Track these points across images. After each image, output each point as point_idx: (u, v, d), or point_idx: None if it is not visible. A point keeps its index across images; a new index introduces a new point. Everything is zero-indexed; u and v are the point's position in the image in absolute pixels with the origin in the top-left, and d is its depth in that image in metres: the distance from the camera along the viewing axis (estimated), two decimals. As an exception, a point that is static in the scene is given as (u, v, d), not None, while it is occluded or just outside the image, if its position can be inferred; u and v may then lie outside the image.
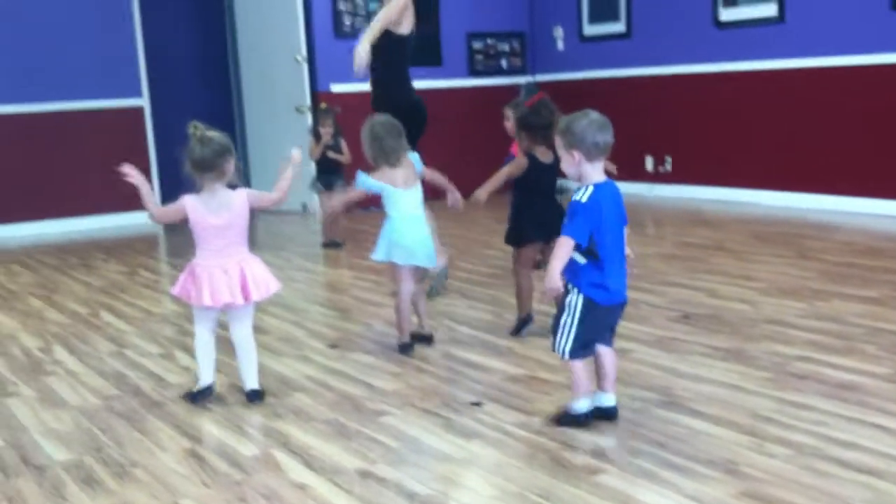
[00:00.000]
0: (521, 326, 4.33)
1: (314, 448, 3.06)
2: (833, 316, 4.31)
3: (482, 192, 4.25)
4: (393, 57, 5.40)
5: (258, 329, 4.65)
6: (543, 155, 4.44)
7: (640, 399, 3.33)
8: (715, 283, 5.10)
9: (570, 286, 3.04)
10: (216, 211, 3.48)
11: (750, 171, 8.12)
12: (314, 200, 8.75)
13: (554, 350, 3.11)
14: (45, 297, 5.67)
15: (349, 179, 7.11)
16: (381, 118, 4.21)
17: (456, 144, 9.69)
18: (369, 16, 9.15)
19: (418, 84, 9.40)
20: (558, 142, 3.08)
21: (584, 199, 2.97)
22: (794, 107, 7.73)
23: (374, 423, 3.26)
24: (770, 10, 7.79)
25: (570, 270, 3.02)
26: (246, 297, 3.50)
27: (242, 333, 3.60)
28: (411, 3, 5.30)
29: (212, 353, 3.61)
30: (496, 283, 5.42)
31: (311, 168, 7.23)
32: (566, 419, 3.13)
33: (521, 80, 9.89)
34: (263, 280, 3.56)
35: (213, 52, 10.41)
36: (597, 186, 3.01)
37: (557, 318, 3.09)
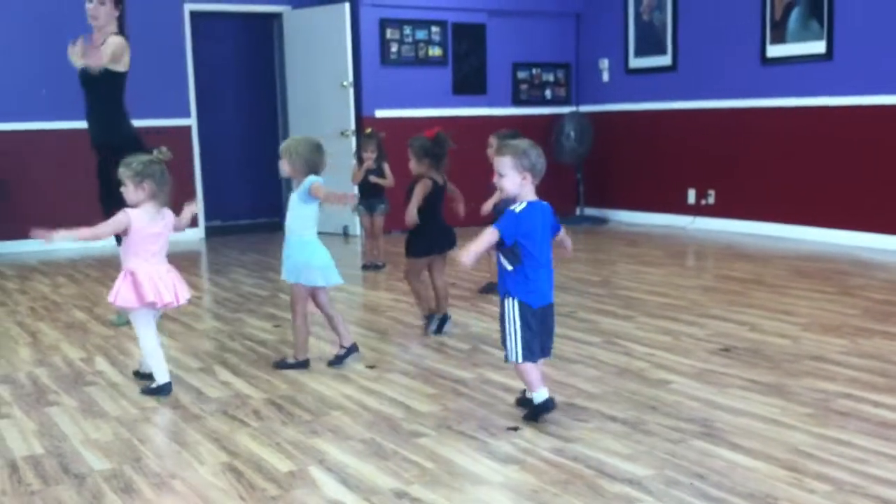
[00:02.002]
0: (431, 322, 4.91)
1: (350, 466, 3.07)
2: (875, 354, 4.26)
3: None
4: (115, 93, 5.39)
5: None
6: (438, 178, 4.93)
7: (678, 430, 3.31)
8: (755, 317, 5.06)
9: (503, 299, 3.45)
10: (155, 220, 3.96)
11: (792, 207, 8.07)
12: (355, 223, 8.83)
13: (507, 360, 3.47)
14: (88, 310, 5.75)
15: (391, 203, 7.18)
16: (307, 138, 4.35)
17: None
18: (416, 44, 9.27)
19: (462, 112, 9.56)
20: (509, 163, 3.43)
21: (518, 210, 3.42)
22: (838, 144, 7.69)
23: (411, 444, 3.26)
24: (818, 48, 7.76)
25: (501, 283, 3.47)
26: (178, 299, 3.99)
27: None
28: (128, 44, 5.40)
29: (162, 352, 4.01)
30: (535, 310, 5.41)
31: (354, 192, 7.28)
32: (537, 410, 3.45)
33: (564, 110, 9.92)
34: (183, 285, 4.07)
35: (262, 76, 10.56)
36: (530, 203, 3.45)
37: (502, 331, 3.46)
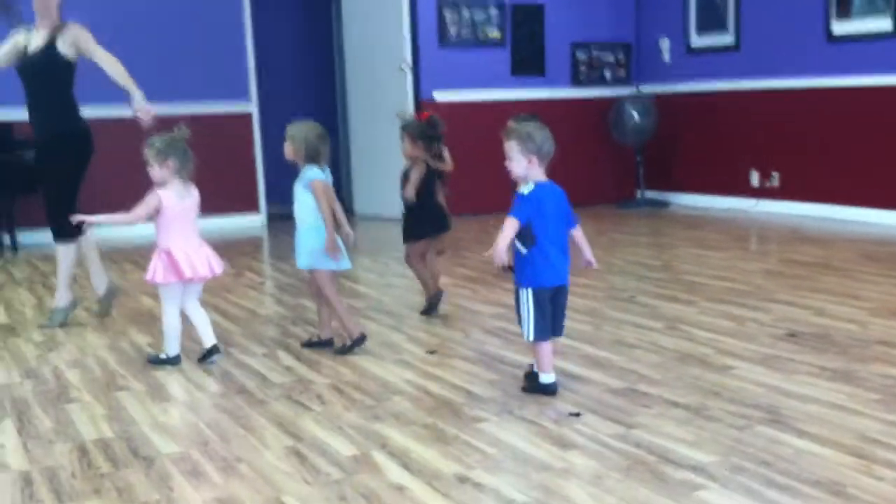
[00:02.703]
0: (433, 305, 5.01)
1: (413, 451, 3.08)
2: (947, 339, 4.17)
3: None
4: (66, 80, 5.12)
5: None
6: (431, 161, 5.01)
7: (743, 416, 3.27)
8: (822, 301, 4.97)
9: (518, 287, 3.58)
10: (183, 197, 4.17)
11: (859, 189, 7.91)
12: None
13: (524, 338, 3.62)
14: (155, 295, 5.80)
15: (448, 187, 7.18)
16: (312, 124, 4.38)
17: (556, 154, 9.66)
18: (474, 26, 9.23)
19: (520, 94, 9.51)
20: (515, 146, 3.54)
21: (526, 192, 3.53)
22: (908, 123, 7.51)
23: (472, 429, 3.27)
24: (885, 25, 7.57)
25: (518, 269, 3.58)
26: (213, 271, 4.23)
27: (196, 303, 4.30)
28: None
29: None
30: (594, 294, 5.39)
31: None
32: (538, 388, 3.61)
33: (624, 91, 9.82)
34: (216, 258, 4.30)
35: (320, 59, 10.61)
36: (538, 184, 3.55)
37: (517, 313, 3.62)
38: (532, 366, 3.73)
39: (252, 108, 9.19)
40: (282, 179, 10.30)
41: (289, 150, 4.31)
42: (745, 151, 8.89)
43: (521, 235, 3.52)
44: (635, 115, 9.42)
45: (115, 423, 3.48)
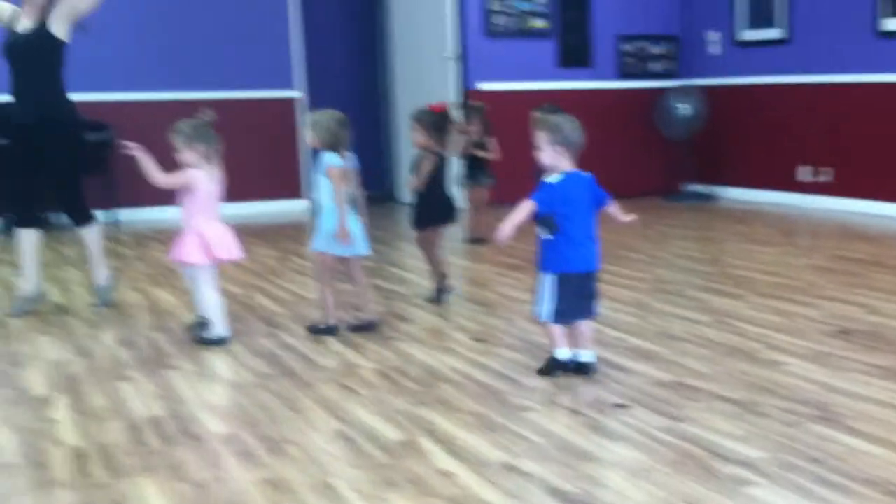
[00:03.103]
0: (441, 292, 5.08)
1: (459, 438, 3.09)
2: None
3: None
4: (59, 65, 4.90)
5: (405, 319, 4.75)
6: (442, 151, 5.09)
7: (794, 413, 3.24)
8: (874, 299, 4.91)
9: (541, 272, 3.65)
10: (213, 180, 4.26)
11: (912, 186, 7.79)
12: (459, 196, 8.84)
13: (534, 314, 3.72)
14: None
15: (496, 176, 7.18)
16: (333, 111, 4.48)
17: (602, 146, 9.62)
18: (521, 15, 9.20)
19: (566, 85, 9.47)
20: (546, 136, 3.58)
21: (553, 182, 3.58)
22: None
23: (519, 418, 3.27)
24: (942, 20, 7.44)
25: (542, 256, 3.64)
26: (235, 254, 4.36)
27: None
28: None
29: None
30: (641, 286, 5.36)
31: (458, 165, 7.32)
32: (552, 365, 3.69)
33: (671, 83, 9.74)
34: (236, 243, 4.37)
35: (366, 48, 10.63)
36: (566, 174, 3.59)
37: (537, 292, 3.67)
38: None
39: (296, 94, 9.23)
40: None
41: (310, 138, 4.41)
42: (795, 146, 8.79)
43: (543, 223, 3.60)
44: (682, 107, 9.35)
45: (165, 402, 3.52)
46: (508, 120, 8.49)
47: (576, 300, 3.64)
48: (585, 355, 3.72)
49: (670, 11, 9.88)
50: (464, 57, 9.00)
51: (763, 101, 9.08)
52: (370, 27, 10.55)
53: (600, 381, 3.66)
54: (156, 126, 7.67)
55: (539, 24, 9.31)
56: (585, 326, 3.71)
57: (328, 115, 4.42)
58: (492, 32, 9.10)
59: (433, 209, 5.09)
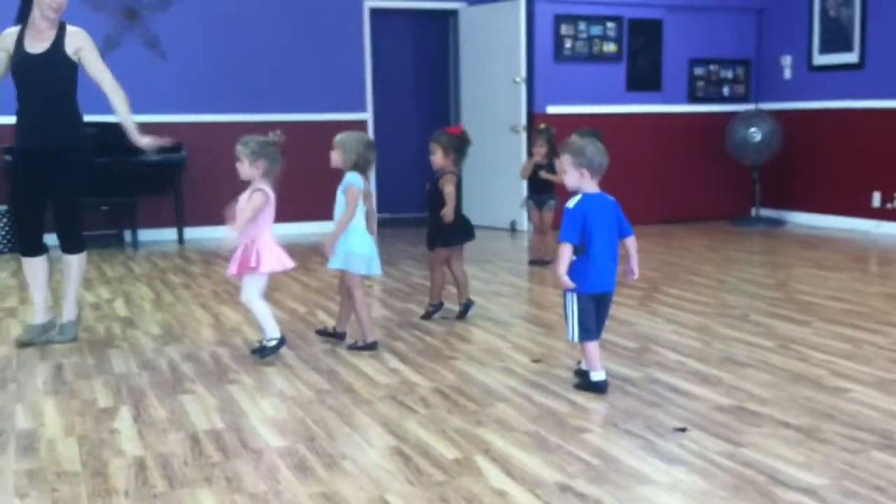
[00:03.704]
0: (433, 312, 5.22)
1: (515, 458, 3.08)
2: None
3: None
4: (74, 84, 4.71)
5: (464, 339, 4.76)
6: (458, 172, 5.30)
7: (857, 440, 3.17)
8: (945, 327, 4.79)
9: (565, 291, 3.74)
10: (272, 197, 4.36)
11: None
12: (523, 218, 8.84)
13: (568, 338, 3.82)
14: (267, 295, 5.93)
15: (561, 199, 7.17)
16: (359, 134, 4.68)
17: (670, 169, 9.55)
18: (591, 40, 9.20)
19: (635, 108, 9.43)
20: (569, 160, 3.71)
21: (571, 206, 3.69)
22: None
23: (575, 440, 3.25)
24: None
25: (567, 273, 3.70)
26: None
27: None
28: None
29: None
30: (705, 310, 5.29)
31: (523, 187, 7.34)
32: (589, 386, 3.79)
33: (742, 107, 9.64)
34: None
35: (436, 72, 10.70)
36: (584, 196, 3.70)
37: (565, 314, 3.80)
38: (580, 362, 3.95)
39: (367, 116, 9.32)
40: (392, 186, 10.48)
41: (335, 158, 4.50)
42: (867, 172, 8.62)
43: (575, 247, 3.70)
44: (753, 132, 9.23)
45: (226, 415, 3.57)
46: (574, 143, 8.47)
47: (594, 315, 3.77)
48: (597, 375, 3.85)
49: (744, 35, 9.79)
50: (532, 80, 9.01)
51: (835, 125, 8.93)
52: (440, 51, 10.62)
53: (660, 405, 3.62)
54: (229, 147, 7.88)
55: (609, 47, 9.29)
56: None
57: (355, 137, 4.55)
58: (561, 56, 9.11)
59: (455, 228, 5.19)
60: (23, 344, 4.66)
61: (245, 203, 4.28)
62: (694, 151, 9.63)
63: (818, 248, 7.75)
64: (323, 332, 4.75)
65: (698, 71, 9.69)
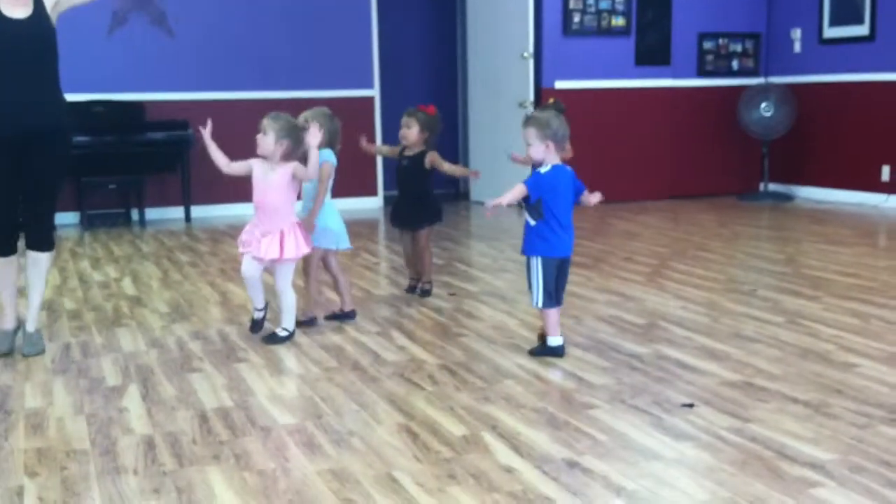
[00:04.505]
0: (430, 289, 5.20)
1: (522, 434, 3.09)
2: None
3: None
4: (56, 60, 4.09)
5: (472, 316, 4.76)
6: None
7: (865, 415, 3.17)
8: (955, 302, 4.77)
9: (528, 256, 3.96)
10: None
11: None
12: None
13: (533, 304, 3.99)
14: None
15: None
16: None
17: (678, 144, 9.51)
18: (599, 14, 9.13)
19: (644, 83, 9.38)
20: (534, 133, 3.87)
21: (543, 172, 3.89)
22: None
23: (583, 416, 3.25)
24: None
25: (527, 241, 3.95)
26: None
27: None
28: None
29: None
30: (713, 286, 5.28)
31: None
32: (546, 351, 3.98)
33: (752, 81, 9.58)
34: None
35: (442, 47, 10.66)
36: (554, 166, 3.90)
37: (528, 281, 3.97)
38: (542, 327, 4.07)
39: (374, 92, 9.30)
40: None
41: (315, 136, 4.18)
42: (877, 145, 8.57)
43: (531, 209, 3.90)
44: (765, 106, 9.18)
45: (234, 393, 3.58)
46: (584, 118, 8.44)
47: (556, 281, 3.94)
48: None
49: (754, 9, 9.71)
50: (540, 55, 8.96)
51: (845, 99, 8.87)
52: (447, 26, 10.58)
53: (668, 381, 3.62)
54: (234, 124, 7.84)
55: (618, 21, 9.23)
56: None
57: (323, 113, 4.47)
58: (569, 31, 9.05)
59: (437, 204, 5.21)
60: (3, 354, 4.12)
61: (290, 177, 4.15)
62: (703, 126, 9.58)
63: (827, 223, 7.72)
64: (332, 317, 4.71)
65: (708, 45, 9.61)
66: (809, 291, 5.11)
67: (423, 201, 5.12)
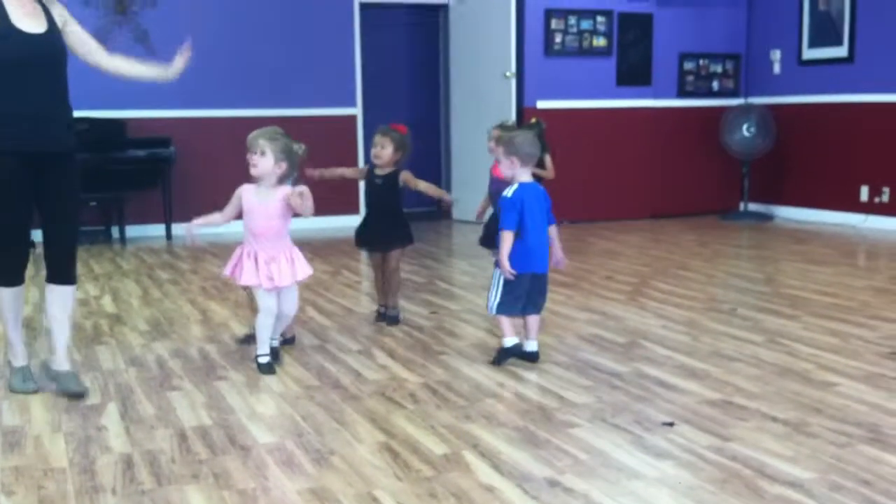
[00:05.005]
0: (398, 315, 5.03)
1: (503, 453, 3.08)
2: None
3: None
4: (65, 73, 3.83)
5: (453, 334, 4.75)
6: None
7: (845, 434, 3.18)
8: (932, 321, 4.80)
9: (495, 266, 4.07)
10: None
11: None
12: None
13: (488, 309, 4.15)
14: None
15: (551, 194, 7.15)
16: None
17: (659, 164, 9.56)
18: (581, 34, 9.19)
19: (625, 103, 9.43)
20: (501, 150, 4.12)
21: (509, 195, 4.01)
22: None
23: (564, 434, 3.25)
24: None
25: (497, 249, 4.06)
26: None
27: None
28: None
29: None
30: (694, 305, 5.30)
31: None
32: (502, 354, 4.12)
33: (732, 102, 9.65)
34: None
35: (425, 65, 10.70)
36: (521, 185, 4.03)
37: (490, 288, 4.11)
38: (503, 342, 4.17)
39: (357, 111, 9.31)
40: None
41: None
42: (856, 166, 8.65)
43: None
44: (746, 127, 9.25)
45: (213, 412, 3.56)
46: (566, 139, 8.48)
47: (524, 297, 4.06)
48: (530, 345, 4.15)
49: (733, 29, 9.79)
50: (522, 75, 9.01)
51: (825, 120, 8.95)
52: (430, 45, 10.62)
53: (648, 399, 3.63)
54: (217, 142, 7.92)
55: (599, 42, 9.29)
56: (532, 320, 4.15)
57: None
58: (551, 51, 9.10)
59: (408, 227, 5.03)
60: (31, 392, 3.83)
61: (286, 203, 3.99)
62: (683, 146, 9.64)
63: (806, 243, 7.77)
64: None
65: (688, 65, 9.69)
66: (789, 311, 5.13)
67: (396, 222, 4.97)
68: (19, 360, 3.94)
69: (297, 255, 4.15)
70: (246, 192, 4.08)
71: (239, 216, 4.15)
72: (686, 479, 2.84)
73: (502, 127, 5.27)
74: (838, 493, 2.70)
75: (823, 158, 8.98)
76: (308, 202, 3.94)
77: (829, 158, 8.92)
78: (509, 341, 4.11)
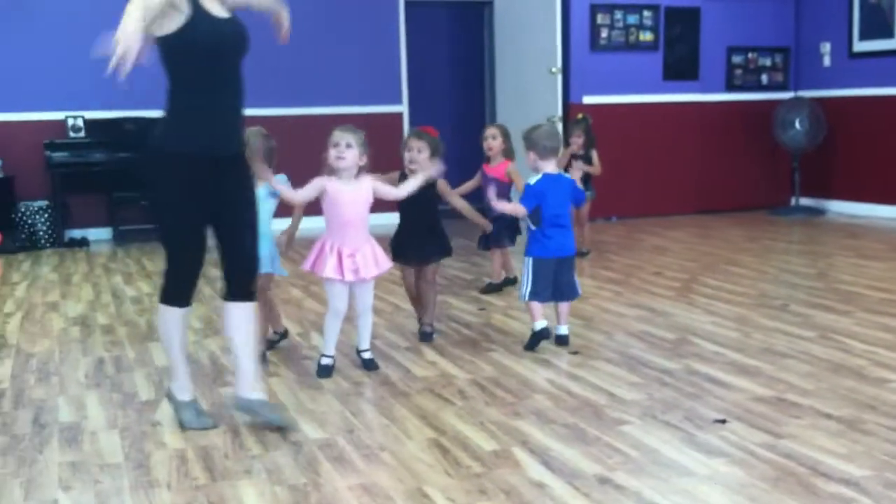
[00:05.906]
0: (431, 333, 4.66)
1: (553, 450, 3.08)
2: None
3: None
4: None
5: (501, 331, 4.75)
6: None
7: (900, 431, 3.14)
8: None
9: (525, 255, 4.34)
10: None
11: None
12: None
13: (519, 297, 4.40)
14: (304, 287, 6.02)
15: (596, 190, 7.13)
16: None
17: (707, 159, 9.48)
18: (627, 29, 9.14)
19: (672, 98, 9.34)
20: (524, 145, 4.35)
21: (532, 183, 4.29)
22: None
23: (614, 431, 3.24)
24: None
25: (527, 243, 4.36)
26: None
27: None
28: None
29: None
30: (744, 301, 5.25)
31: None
32: (534, 338, 4.34)
33: (781, 95, 9.54)
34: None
35: (470, 62, 10.70)
36: (544, 175, 4.29)
37: (522, 276, 4.37)
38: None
39: (403, 108, 9.35)
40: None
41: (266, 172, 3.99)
42: (910, 159, 8.51)
43: (531, 217, 4.29)
44: (795, 120, 9.14)
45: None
46: (613, 133, 8.45)
47: (552, 284, 4.30)
48: (561, 329, 4.41)
49: (783, 23, 9.68)
50: (568, 70, 8.97)
51: (876, 113, 8.82)
52: (475, 42, 10.62)
53: (699, 396, 3.60)
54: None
55: (645, 36, 9.23)
56: (563, 306, 4.43)
57: (261, 132, 4.08)
58: (597, 46, 9.06)
59: (447, 238, 4.78)
60: (210, 428, 3.41)
61: (371, 190, 4.12)
62: (732, 141, 9.55)
63: (859, 237, 7.66)
64: (277, 339, 4.52)
65: (736, 59, 9.59)
66: (841, 306, 5.07)
67: (433, 232, 4.69)
68: (186, 394, 3.49)
69: (377, 247, 4.16)
70: (331, 185, 4.02)
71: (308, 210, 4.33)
72: (738, 476, 2.82)
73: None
74: (894, 490, 2.67)
75: (875, 152, 8.84)
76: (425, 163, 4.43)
77: (881, 152, 8.78)
78: (539, 325, 4.32)
